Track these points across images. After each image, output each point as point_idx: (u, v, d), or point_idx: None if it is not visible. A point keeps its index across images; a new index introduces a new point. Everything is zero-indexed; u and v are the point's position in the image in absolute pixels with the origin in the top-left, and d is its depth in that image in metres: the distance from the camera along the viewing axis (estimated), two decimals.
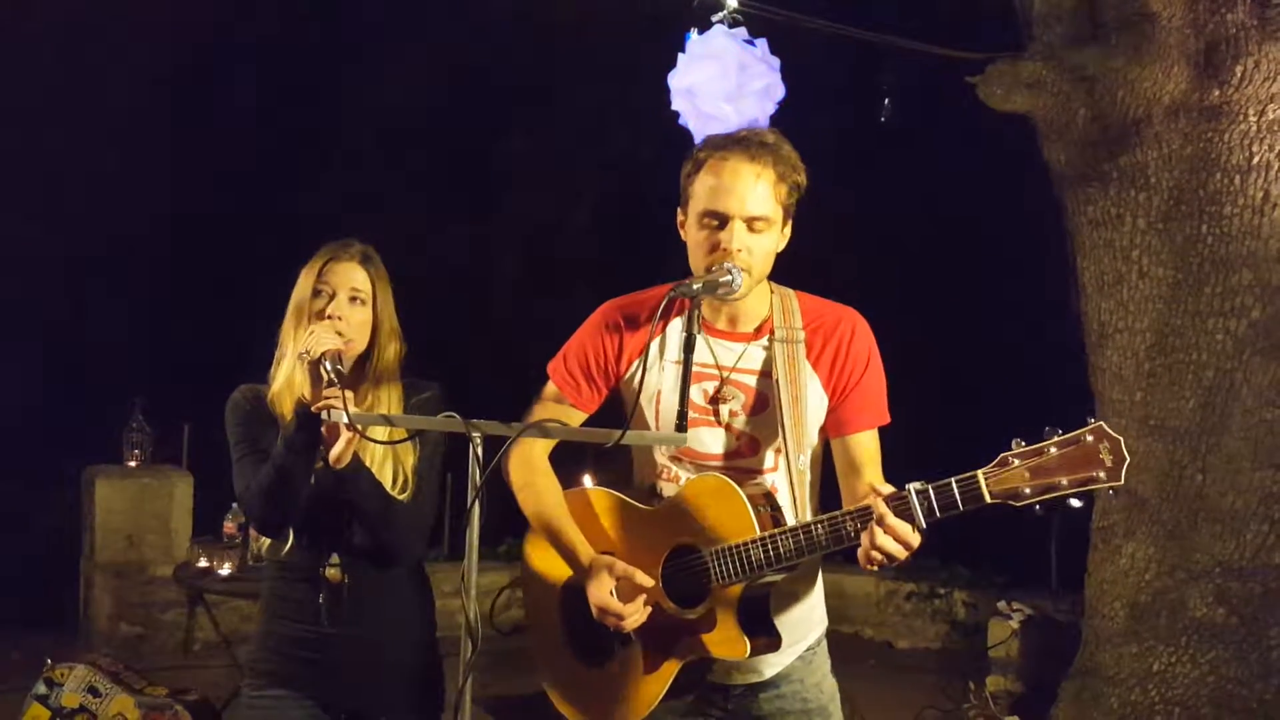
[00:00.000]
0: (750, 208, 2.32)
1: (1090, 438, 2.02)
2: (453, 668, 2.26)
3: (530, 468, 2.54)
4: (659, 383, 2.45)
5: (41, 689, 4.49)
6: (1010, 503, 2.06)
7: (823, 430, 2.45)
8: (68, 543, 6.35)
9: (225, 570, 5.19)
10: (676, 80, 4.69)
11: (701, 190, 2.36)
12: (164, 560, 6.08)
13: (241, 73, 7.76)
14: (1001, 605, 6.06)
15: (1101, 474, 2.01)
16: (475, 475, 2.24)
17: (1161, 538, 4.47)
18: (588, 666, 2.51)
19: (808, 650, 2.53)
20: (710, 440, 2.44)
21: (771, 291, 2.46)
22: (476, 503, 2.22)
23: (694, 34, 4.73)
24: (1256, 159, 4.32)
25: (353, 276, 2.59)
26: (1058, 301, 4.97)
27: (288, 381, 2.60)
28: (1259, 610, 4.31)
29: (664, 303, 2.32)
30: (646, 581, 2.35)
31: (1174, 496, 4.45)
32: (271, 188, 7.94)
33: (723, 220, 2.33)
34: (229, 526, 5.28)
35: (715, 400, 2.42)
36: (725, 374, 2.41)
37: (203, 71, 7.69)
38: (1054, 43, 4.63)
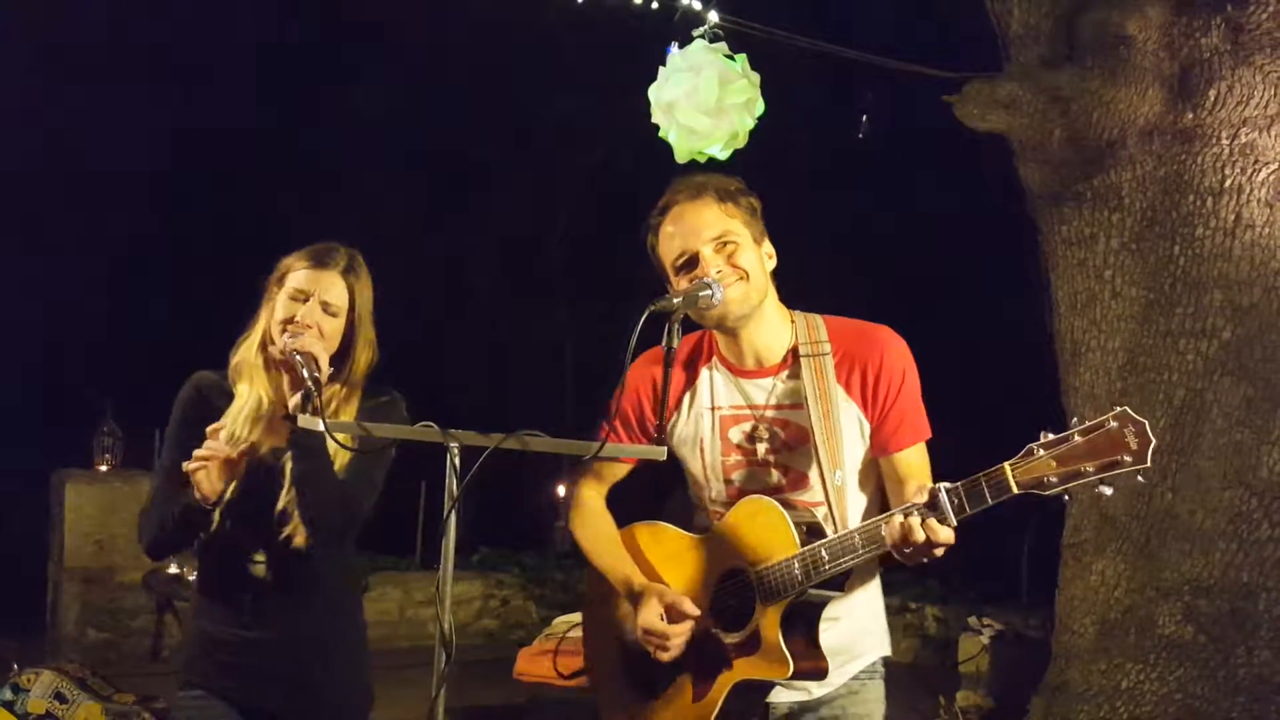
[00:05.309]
0: (708, 232, 2.38)
1: (1114, 423, 2.04)
2: (426, 677, 2.25)
3: (586, 510, 2.61)
4: (699, 431, 2.48)
5: (7, 694, 4.45)
6: (1037, 492, 2.05)
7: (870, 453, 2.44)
8: (36, 546, 6.29)
9: (195, 577, 5.14)
10: (657, 93, 4.71)
11: (666, 248, 2.43)
12: (133, 566, 6.03)
13: (233, 81, 7.74)
14: (972, 620, 6.09)
15: (1127, 457, 2.03)
16: (452, 485, 2.23)
17: (1131, 555, 4.51)
18: (641, 697, 2.52)
19: (856, 678, 2.48)
20: (755, 478, 2.45)
21: (793, 320, 2.46)
22: (453, 513, 2.22)
23: (675, 48, 4.74)
24: (1229, 182, 4.37)
25: (331, 287, 2.58)
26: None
27: (245, 359, 2.61)
28: (1227, 629, 4.34)
29: (644, 317, 2.30)
30: (692, 608, 2.37)
31: (1144, 515, 4.48)
32: (254, 193, 7.91)
33: (692, 257, 2.38)
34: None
35: (752, 439, 2.44)
36: (758, 413, 2.43)
37: (198, 75, 7.66)
38: (1031, 63, 4.68)
